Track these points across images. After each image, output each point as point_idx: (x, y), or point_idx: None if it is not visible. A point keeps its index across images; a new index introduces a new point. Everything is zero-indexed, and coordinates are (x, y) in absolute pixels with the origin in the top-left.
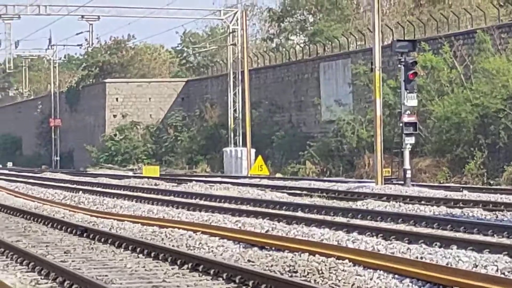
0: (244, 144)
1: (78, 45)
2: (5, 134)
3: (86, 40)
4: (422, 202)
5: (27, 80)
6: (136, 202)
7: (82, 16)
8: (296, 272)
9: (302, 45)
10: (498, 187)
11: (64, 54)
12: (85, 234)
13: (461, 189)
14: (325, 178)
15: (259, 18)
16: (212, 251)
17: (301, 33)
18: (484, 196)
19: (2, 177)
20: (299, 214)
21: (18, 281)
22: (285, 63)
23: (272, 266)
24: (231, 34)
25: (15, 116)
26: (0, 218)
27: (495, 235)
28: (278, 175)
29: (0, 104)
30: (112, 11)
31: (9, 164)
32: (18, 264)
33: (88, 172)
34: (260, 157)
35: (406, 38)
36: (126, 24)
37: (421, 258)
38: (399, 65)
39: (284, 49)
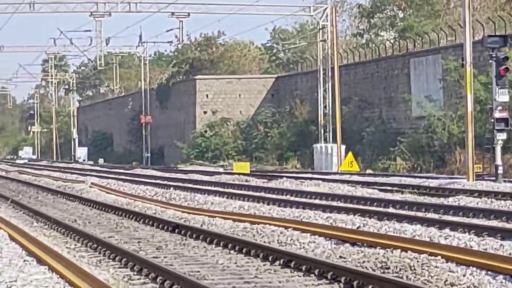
0: (334, 141)
1: (168, 42)
2: (96, 131)
3: (176, 37)
4: None
5: (118, 77)
6: (227, 198)
7: (172, 13)
8: (388, 268)
9: (392, 41)
10: None
11: (154, 51)
12: (176, 230)
13: None
14: (415, 174)
15: (349, 14)
16: (304, 247)
17: (391, 29)
18: None
19: (93, 174)
20: (391, 210)
21: (111, 277)
22: (375, 59)
23: (364, 262)
24: (321, 30)
25: (106, 113)
26: (93, 215)
27: None
28: (368, 171)
29: (91, 101)
30: (202, 8)
31: (100, 161)
32: (110, 260)
33: (178, 168)
34: (350, 153)
35: (497, 33)
36: (216, 20)
37: None
38: (490, 61)
39: (374, 45)
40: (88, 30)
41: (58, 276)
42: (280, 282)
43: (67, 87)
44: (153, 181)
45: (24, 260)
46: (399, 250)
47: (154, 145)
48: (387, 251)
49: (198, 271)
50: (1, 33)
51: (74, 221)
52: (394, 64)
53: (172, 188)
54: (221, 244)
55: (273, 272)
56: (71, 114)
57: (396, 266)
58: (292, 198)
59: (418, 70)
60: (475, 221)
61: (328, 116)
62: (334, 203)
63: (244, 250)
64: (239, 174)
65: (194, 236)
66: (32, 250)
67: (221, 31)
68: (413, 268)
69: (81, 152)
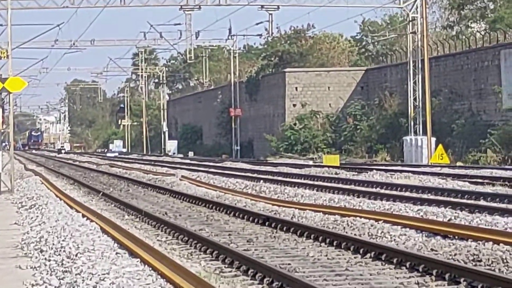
0: (424, 133)
1: (257, 35)
2: (186, 124)
3: (265, 29)
4: None
5: (207, 70)
6: (317, 191)
7: (262, 6)
8: (480, 261)
9: (482, 32)
10: None
11: (244, 44)
12: (267, 223)
13: None
14: (506, 167)
15: (439, 6)
16: (395, 239)
17: (481, 20)
18: None
19: (183, 167)
20: (482, 202)
21: (202, 269)
22: (465, 51)
23: (455, 255)
24: (410, 22)
25: (196, 106)
26: (183, 207)
27: None
28: (458, 163)
29: (181, 95)
30: (292, 1)
31: (190, 154)
32: (202, 253)
33: (268, 161)
34: (440, 145)
35: None
36: (305, 13)
37: None
38: None
39: (464, 37)
40: (178, 24)
41: (150, 268)
42: (371, 275)
43: (157, 80)
44: (243, 174)
45: (116, 253)
46: (491, 243)
47: (243, 138)
48: (479, 243)
49: (289, 264)
50: (92, 27)
51: (165, 213)
52: (484, 56)
53: (262, 181)
54: (312, 237)
55: (364, 264)
56: (161, 107)
57: (488, 259)
58: (382, 191)
59: (509, 62)
60: None
61: (418, 108)
62: (425, 196)
63: (334, 243)
64: (328, 166)
65: (284, 228)
66: (124, 242)
67: (311, 23)
68: (505, 260)
69: (171, 145)
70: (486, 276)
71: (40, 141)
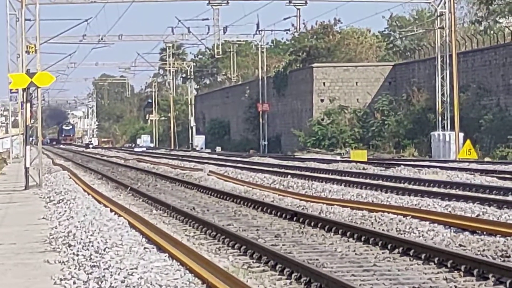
0: (452, 128)
1: (285, 30)
2: (213, 119)
3: (293, 25)
4: None
5: (235, 66)
6: (344, 186)
7: (290, 1)
8: (508, 257)
9: (511, 27)
10: None
11: (271, 39)
12: (294, 218)
13: None
14: None
15: (467, 1)
16: (423, 235)
17: (510, 15)
18: None
19: (211, 162)
20: (510, 198)
21: (230, 265)
22: (493, 46)
23: (484, 250)
24: (438, 18)
25: (223, 101)
26: (211, 202)
27: None
28: (486, 159)
29: (208, 90)
30: None
31: (218, 149)
32: (230, 248)
33: (295, 156)
34: (468, 141)
35: None
36: (333, 8)
37: None
38: None
39: (492, 32)
40: (205, 19)
41: (179, 263)
42: (399, 271)
43: (184, 75)
44: (271, 169)
45: (144, 248)
46: None
47: (271, 133)
48: (507, 239)
49: (317, 259)
50: (120, 22)
51: (193, 208)
52: None
53: (289, 176)
54: (340, 232)
55: (392, 260)
56: (189, 102)
57: None
58: (410, 186)
59: None
60: None
61: (446, 103)
62: (453, 191)
63: (362, 238)
64: (356, 162)
65: (312, 224)
66: (152, 237)
67: (338, 18)
68: None
69: (199, 140)
70: None
71: (72, 135)
